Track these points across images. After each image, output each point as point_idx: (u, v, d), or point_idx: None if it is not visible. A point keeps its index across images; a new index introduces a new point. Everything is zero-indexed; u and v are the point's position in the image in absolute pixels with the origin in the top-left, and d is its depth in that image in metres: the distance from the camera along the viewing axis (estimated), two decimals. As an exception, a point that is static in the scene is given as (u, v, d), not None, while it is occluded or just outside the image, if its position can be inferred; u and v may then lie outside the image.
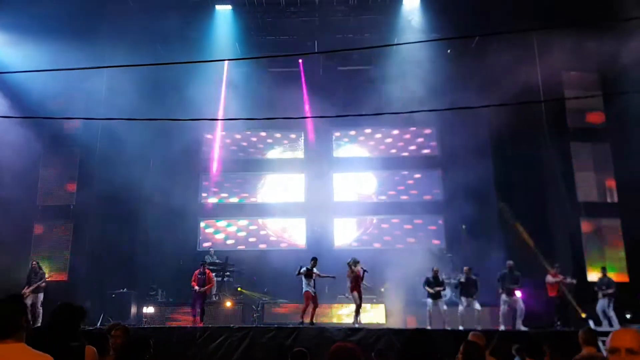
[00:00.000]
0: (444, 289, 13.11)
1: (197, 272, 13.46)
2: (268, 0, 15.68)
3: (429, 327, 12.22)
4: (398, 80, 16.88)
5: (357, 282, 12.38)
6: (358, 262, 12.51)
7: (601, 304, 12.58)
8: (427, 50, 16.11)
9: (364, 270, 12.54)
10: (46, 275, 13.19)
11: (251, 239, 18.65)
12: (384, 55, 16.99)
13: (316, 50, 16.67)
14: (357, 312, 12.52)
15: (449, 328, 12.22)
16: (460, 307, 12.72)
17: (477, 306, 12.72)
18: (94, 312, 13.20)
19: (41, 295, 12.74)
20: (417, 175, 19.04)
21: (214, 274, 14.37)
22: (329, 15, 16.05)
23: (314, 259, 12.80)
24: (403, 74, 16.64)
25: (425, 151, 19.27)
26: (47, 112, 14.23)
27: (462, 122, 17.21)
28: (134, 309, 14.77)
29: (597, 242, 15.13)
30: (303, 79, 18.27)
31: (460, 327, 12.21)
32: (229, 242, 18.53)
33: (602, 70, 15.47)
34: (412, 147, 19.30)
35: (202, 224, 18.76)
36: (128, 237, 16.35)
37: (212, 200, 19.12)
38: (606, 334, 10.14)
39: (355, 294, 12.35)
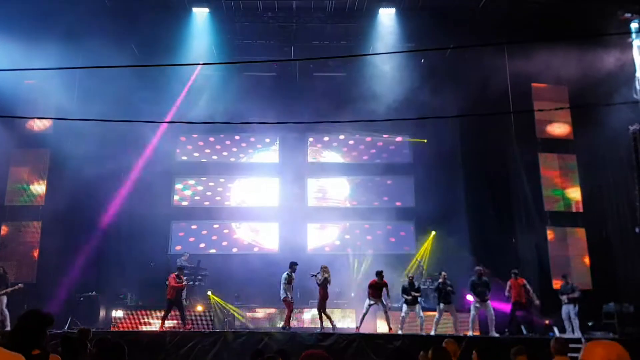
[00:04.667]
0: (420, 295, 13.24)
1: (174, 275, 13.06)
2: (246, 4, 15.72)
3: (400, 332, 12.36)
4: (372, 88, 17.10)
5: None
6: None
7: (565, 309, 12.83)
8: (401, 59, 16.35)
9: (312, 275, 12.86)
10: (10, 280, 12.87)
11: (223, 243, 18.57)
12: (359, 62, 17.16)
13: (292, 56, 16.78)
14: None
15: (424, 334, 12.38)
16: (437, 314, 12.86)
17: (455, 312, 12.91)
18: (62, 316, 12.97)
19: (4, 299, 12.46)
20: (389, 182, 19.26)
21: (185, 278, 14.18)
22: (306, 21, 16.17)
23: (294, 264, 12.86)
24: (377, 81, 16.85)
25: (398, 158, 19.48)
26: (17, 111, 13.97)
27: (434, 131, 17.52)
28: (102, 313, 14.55)
29: (563, 251, 15.55)
30: (278, 84, 18.30)
31: (432, 333, 12.39)
32: (201, 245, 18.40)
33: (570, 83, 15.92)
34: (385, 155, 19.50)
35: (173, 227, 18.60)
36: (98, 239, 16.09)
37: (185, 203, 19.01)
38: (574, 341, 10.48)
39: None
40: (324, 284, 12.61)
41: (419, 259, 16.92)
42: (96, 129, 14.04)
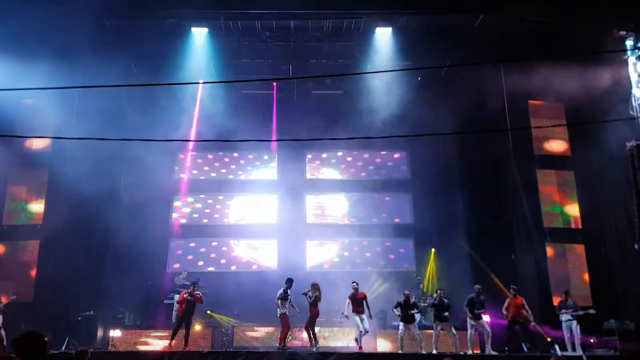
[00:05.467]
0: (416, 312, 13.03)
1: (184, 292, 12.76)
2: (244, 24, 15.86)
3: (400, 352, 12.23)
4: (370, 105, 17.19)
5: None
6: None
7: (567, 326, 12.77)
8: (398, 76, 16.46)
9: (303, 293, 12.66)
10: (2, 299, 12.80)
11: (222, 261, 18.48)
12: (356, 80, 17.28)
13: (290, 74, 16.87)
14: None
15: (424, 352, 12.25)
16: (435, 332, 12.71)
17: (453, 330, 12.72)
18: (60, 335, 12.88)
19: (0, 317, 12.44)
20: (388, 198, 19.27)
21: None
22: (304, 40, 16.31)
23: (290, 280, 12.78)
24: (375, 99, 16.96)
25: (396, 175, 19.51)
26: (15, 130, 13.96)
27: (431, 148, 17.58)
28: (100, 332, 14.43)
29: (562, 267, 15.49)
30: (277, 102, 18.41)
31: (434, 351, 12.26)
32: (199, 263, 18.32)
33: (567, 100, 16.02)
34: (383, 171, 19.54)
35: (172, 245, 18.52)
36: (96, 258, 16.04)
37: (183, 221, 18.95)
38: (575, 358, 10.38)
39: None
40: (314, 302, 12.50)
41: (418, 277, 16.84)
42: (94, 148, 13.98)
